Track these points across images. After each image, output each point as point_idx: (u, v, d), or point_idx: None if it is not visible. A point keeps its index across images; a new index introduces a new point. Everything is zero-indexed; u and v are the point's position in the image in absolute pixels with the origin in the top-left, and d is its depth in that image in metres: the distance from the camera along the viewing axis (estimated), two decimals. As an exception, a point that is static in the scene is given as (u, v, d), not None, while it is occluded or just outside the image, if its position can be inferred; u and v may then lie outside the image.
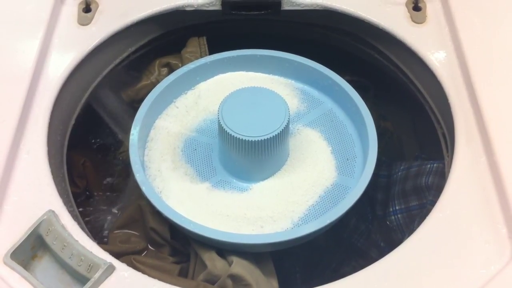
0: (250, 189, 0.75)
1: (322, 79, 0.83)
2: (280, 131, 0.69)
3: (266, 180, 0.75)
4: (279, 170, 0.76)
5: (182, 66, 0.87)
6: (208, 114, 0.83)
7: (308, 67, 0.83)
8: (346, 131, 0.80)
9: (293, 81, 0.86)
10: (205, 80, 0.86)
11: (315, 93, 0.85)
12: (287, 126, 0.70)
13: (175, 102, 0.84)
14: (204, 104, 0.84)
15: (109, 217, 0.90)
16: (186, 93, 0.85)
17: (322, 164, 0.77)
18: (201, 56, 0.89)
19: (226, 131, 0.69)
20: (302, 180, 0.75)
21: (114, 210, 0.91)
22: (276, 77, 0.87)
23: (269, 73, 0.87)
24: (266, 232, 0.69)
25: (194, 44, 0.91)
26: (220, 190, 0.75)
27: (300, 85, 0.86)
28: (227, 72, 0.87)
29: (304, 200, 0.73)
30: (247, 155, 0.70)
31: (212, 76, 0.86)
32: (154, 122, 0.81)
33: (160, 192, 0.73)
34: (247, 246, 0.67)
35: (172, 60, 0.92)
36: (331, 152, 0.78)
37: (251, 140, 0.68)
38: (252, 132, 0.68)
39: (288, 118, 0.70)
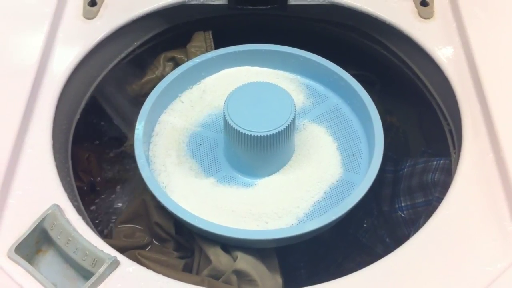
0: (255, 184, 0.75)
1: (328, 74, 0.82)
2: (286, 127, 0.68)
3: (271, 176, 0.75)
4: (285, 165, 0.76)
5: (187, 60, 0.87)
6: (213, 109, 0.82)
7: (314, 62, 0.83)
8: (352, 127, 0.80)
9: (298, 76, 0.86)
10: (210, 74, 0.86)
11: (321, 88, 0.85)
12: (293, 122, 0.70)
13: (180, 96, 0.83)
14: (210, 99, 0.83)
15: (113, 212, 0.90)
16: (191, 88, 0.84)
17: (327, 160, 0.76)
18: (207, 51, 0.89)
19: (232, 126, 0.68)
20: (307, 176, 0.75)
21: (119, 205, 0.91)
22: (281, 72, 0.86)
23: (274, 68, 0.87)
24: (271, 228, 0.69)
25: (200, 38, 0.91)
26: (225, 185, 0.74)
27: (306, 80, 0.86)
28: (233, 67, 0.86)
29: (309, 196, 0.72)
30: (253, 151, 0.70)
31: (218, 71, 0.86)
32: (159, 116, 0.81)
33: (165, 187, 0.73)
34: (252, 241, 0.67)
35: (178, 55, 0.91)
36: (337, 148, 0.78)
37: (257, 135, 0.68)
38: (258, 127, 0.68)
39: (294, 114, 0.69)
